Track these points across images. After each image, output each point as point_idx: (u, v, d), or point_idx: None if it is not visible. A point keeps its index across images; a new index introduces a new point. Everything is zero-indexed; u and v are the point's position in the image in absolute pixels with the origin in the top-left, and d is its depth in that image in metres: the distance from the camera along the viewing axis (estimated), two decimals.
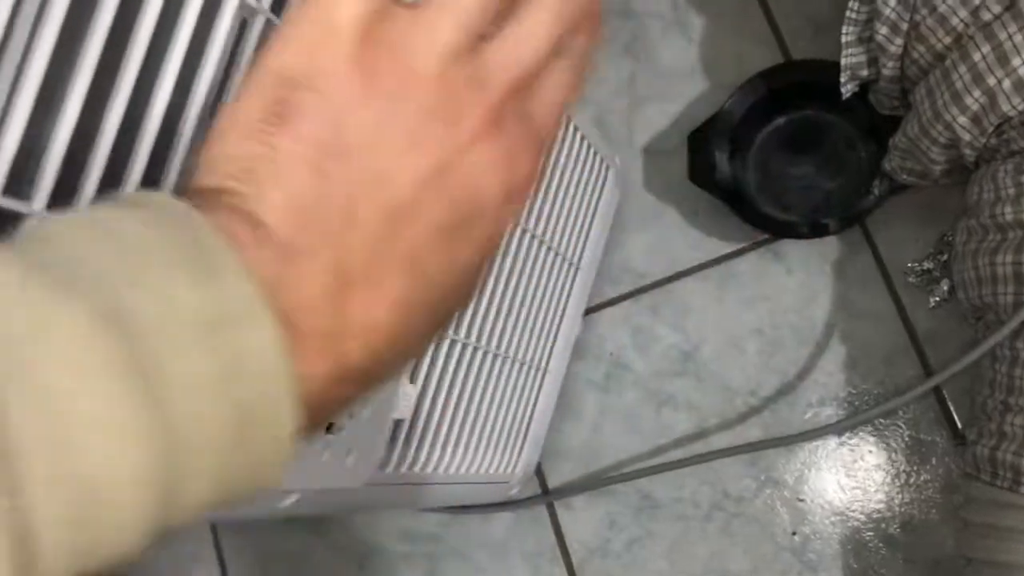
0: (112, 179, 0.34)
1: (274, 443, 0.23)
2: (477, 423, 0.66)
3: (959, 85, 0.62)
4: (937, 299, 0.80)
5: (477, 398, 0.65)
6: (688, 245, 0.89)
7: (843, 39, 0.69)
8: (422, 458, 0.60)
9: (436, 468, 0.62)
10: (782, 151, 0.84)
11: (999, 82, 0.60)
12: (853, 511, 0.82)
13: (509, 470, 0.75)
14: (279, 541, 0.97)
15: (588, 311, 0.89)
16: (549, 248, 0.71)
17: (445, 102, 0.26)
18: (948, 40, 0.63)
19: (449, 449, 0.63)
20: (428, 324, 0.28)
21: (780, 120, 0.84)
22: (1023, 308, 0.60)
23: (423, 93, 0.26)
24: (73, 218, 0.23)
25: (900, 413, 0.81)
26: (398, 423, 0.56)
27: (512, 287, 0.66)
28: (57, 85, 0.31)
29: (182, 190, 0.25)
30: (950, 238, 0.79)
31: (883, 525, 0.81)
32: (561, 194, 0.71)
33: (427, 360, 0.57)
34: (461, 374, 0.62)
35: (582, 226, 0.77)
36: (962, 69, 0.61)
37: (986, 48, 0.60)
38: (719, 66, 0.90)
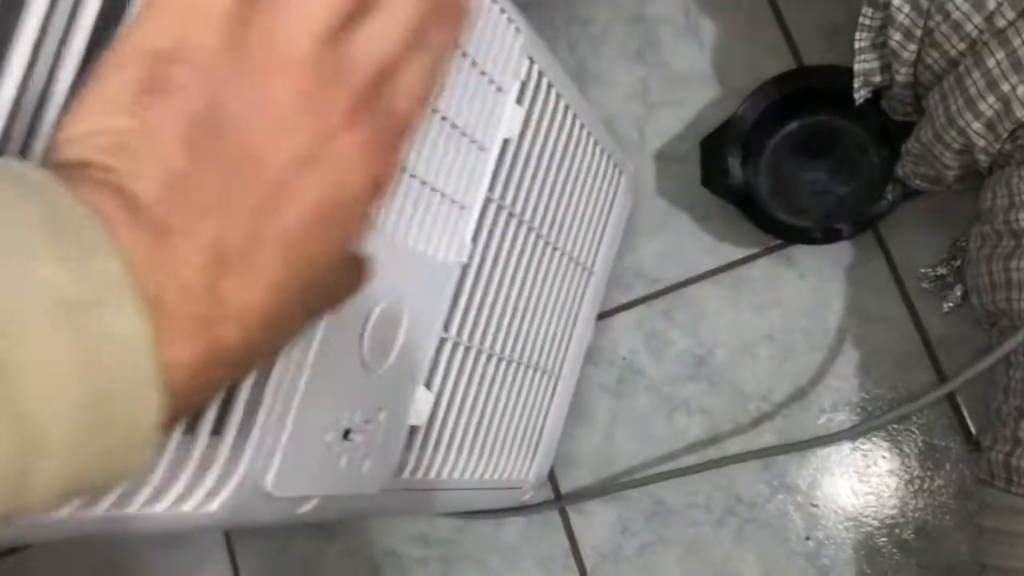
0: None
1: (136, 433, 0.22)
2: (491, 429, 0.66)
3: (973, 91, 0.62)
4: (950, 304, 0.80)
5: (491, 404, 0.66)
6: (701, 250, 0.89)
7: (856, 45, 0.69)
8: (437, 464, 0.60)
9: (450, 474, 0.62)
10: (795, 156, 0.84)
11: (1013, 88, 0.60)
12: (866, 516, 0.82)
13: (522, 475, 0.75)
14: (292, 545, 0.97)
15: (601, 316, 0.89)
16: (563, 253, 0.71)
17: (315, 88, 0.26)
18: (962, 46, 0.63)
19: (463, 455, 0.63)
20: (301, 308, 0.27)
21: (793, 126, 0.84)
22: None
23: (294, 77, 0.25)
24: None
25: (914, 419, 0.81)
26: (413, 429, 0.56)
27: (526, 293, 0.66)
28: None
29: (44, 164, 0.23)
30: (963, 243, 0.79)
31: (897, 531, 0.80)
32: (574, 200, 0.71)
33: (442, 367, 0.58)
34: (475, 380, 0.62)
35: (595, 231, 0.77)
36: (976, 75, 0.61)
37: (1000, 54, 0.60)
38: (731, 72, 0.90)
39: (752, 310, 0.87)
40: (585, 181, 0.72)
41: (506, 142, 0.57)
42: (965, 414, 0.80)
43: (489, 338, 0.63)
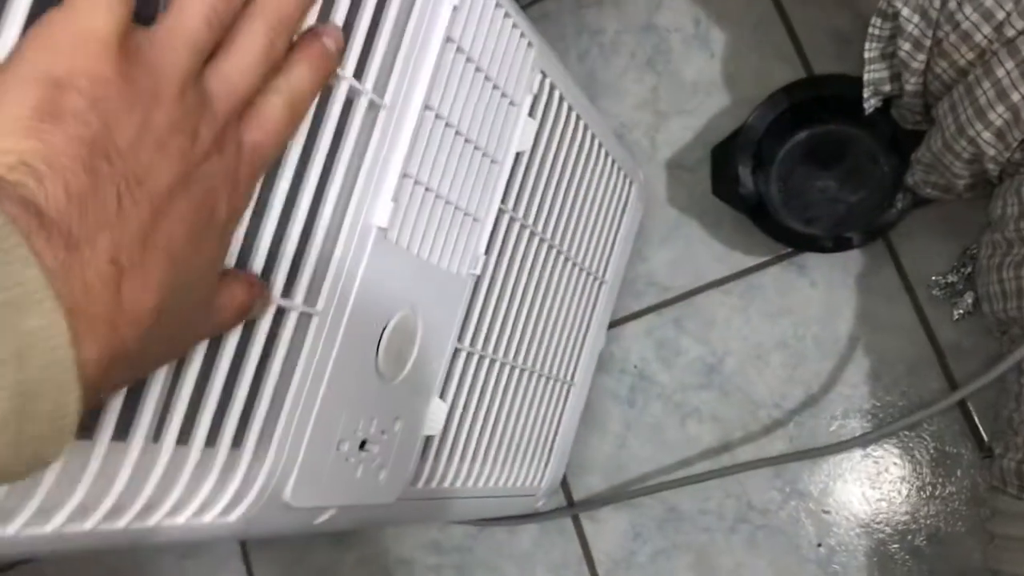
0: None
1: (59, 425, 0.25)
2: (505, 437, 0.67)
3: (983, 100, 0.62)
4: (961, 312, 0.80)
5: (505, 413, 0.66)
6: (712, 258, 0.89)
7: (866, 55, 0.70)
8: (451, 473, 0.61)
9: (465, 482, 0.63)
10: (805, 165, 0.85)
11: (1023, 98, 0.60)
12: (878, 523, 0.82)
13: (535, 483, 0.75)
14: (308, 554, 0.98)
15: (612, 324, 0.89)
16: (574, 263, 0.72)
17: (184, 118, 0.30)
18: (971, 56, 0.63)
19: (477, 464, 0.64)
20: (185, 310, 0.31)
21: (803, 134, 0.84)
22: None
23: (168, 108, 0.29)
24: None
25: (925, 426, 0.81)
26: (428, 439, 0.57)
27: (538, 302, 0.67)
28: None
29: None
30: (974, 251, 0.79)
31: (909, 537, 0.81)
32: (586, 210, 0.71)
33: (456, 377, 0.58)
34: (489, 390, 0.63)
35: (606, 241, 0.77)
36: (986, 85, 0.62)
37: (1010, 64, 0.60)
38: (741, 81, 0.90)
39: (763, 318, 0.87)
40: (596, 191, 0.73)
41: (519, 155, 0.58)
42: (976, 421, 0.80)
43: (503, 348, 0.63)
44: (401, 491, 0.53)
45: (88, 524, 0.34)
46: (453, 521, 0.90)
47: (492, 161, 0.54)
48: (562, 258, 0.69)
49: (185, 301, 0.31)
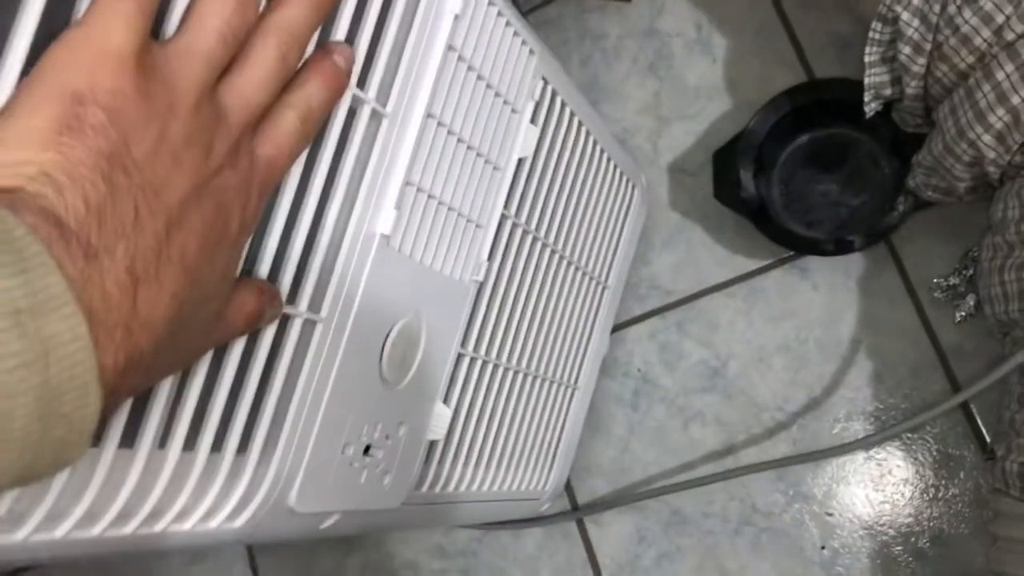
0: None
1: (80, 428, 0.25)
2: (509, 442, 0.67)
3: (983, 104, 0.62)
4: (963, 314, 0.80)
5: (509, 417, 0.66)
6: (714, 262, 0.89)
7: (866, 59, 0.70)
8: (455, 477, 0.61)
9: (469, 487, 0.63)
10: (807, 169, 0.85)
11: (1023, 101, 0.60)
12: (882, 525, 0.82)
13: (540, 487, 0.76)
14: (314, 558, 0.98)
15: (616, 328, 0.90)
16: (577, 268, 0.72)
17: (199, 131, 0.31)
18: (971, 59, 0.63)
19: (482, 468, 0.64)
20: (197, 319, 0.32)
21: (804, 138, 0.85)
22: None
23: (184, 121, 0.30)
24: None
25: (928, 428, 0.81)
26: (432, 444, 0.57)
27: (541, 307, 0.67)
28: None
29: None
30: (975, 253, 0.79)
31: (912, 539, 0.81)
32: (588, 215, 0.72)
33: (460, 381, 0.58)
34: (493, 394, 0.63)
35: (609, 245, 0.78)
36: (986, 88, 0.62)
37: (1010, 67, 0.60)
38: (743, 85, 0.90)
39: (766, 321, 0.87)
40: (599, 196, 0.73)
41: (521, 161, 0.58)
42: (979, 423, 0.80)
43: (506, 353, 0.64)
44: (405, 496, 0.54)
45: (96, 530, 0.34)
46: (458, 525, 0.90)
47: (494, 168, 0.55)
48: (565, 263, 0.70)
49: (198, 310, 0.32)
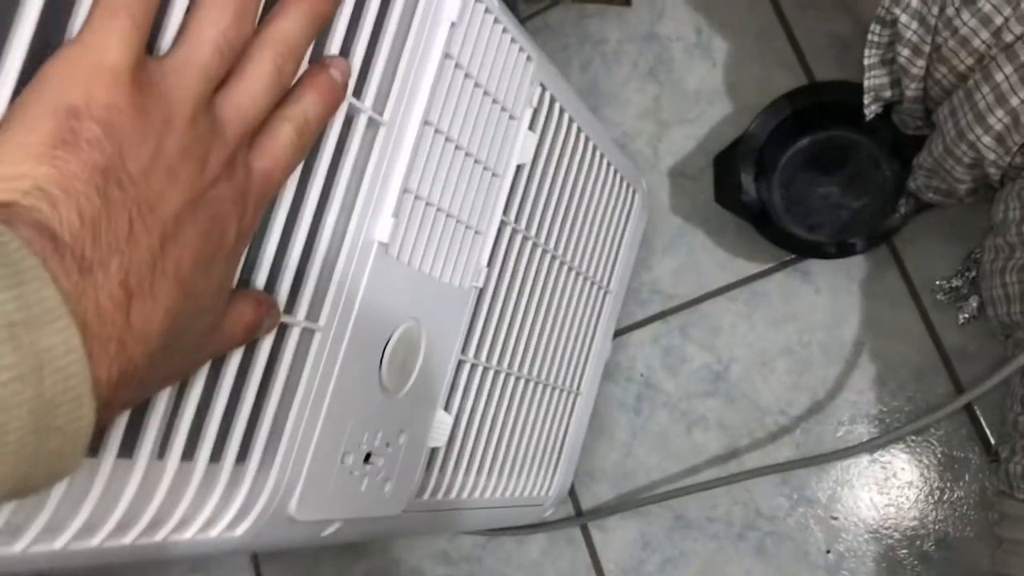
0: None
1: (73, 436, 0.25)
2: (511, 448, 0.67)
3: (982, 105, 0.62)
4: (966, 316, 0.80)
5: (511, 423, 0.66)
6: (716, 266, 0.89)
7: (865, 61, 0.70)
8: (457, 484, 0.61)
9: (471, 493, 0.63)
10: (807, 172, 0.85)
11: (1022, 102, 0.60)
12: (887, 529, 0.82)
13: (543, 493, 0.75)
14: (318, 565, 0.98)
15: (618, 333, 0.90)
16: (578, 273, 0.72)
17: (195, 144, 0.31)
18: (970, 61, 0.63)
19: (484, 474, 0.64)
20: (193, 332, 0.32)
21: (805, 141, 0.85)
22: None
23: (180, 135, 0.30)
24: None
25: (932, 430, 0.81)
26: (434, 451, 0.57)
27: (542, 313, 0.67)
28: None
29: None
30: (978, 255, 0.79)
31: (918, 542, 0.81)
32: (588, 220, 0.72)
33: (461, 388, 0.58)
34: (495, 400, 0.63)
35: (610, 251, 0.78)
36: (985, 89, 0.62)
37: (1008, 69, 0.60)
38: (743, 88, 0.90)
39: (768, 325, 0.87)
40: (599, 201, 0.73)
41: (520, 167, 0.58)
42: (984, 424, 0.80)
43: (507, 359, 0.64)
44: (407, 503, 0.54)
45: (95, 540, 0.34)
46: (461, 532, 0.90)
47: (493, 174, 0.55)
48: (566, 268, 0.70)
49: (193, 323, 0.32)
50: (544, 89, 0.59)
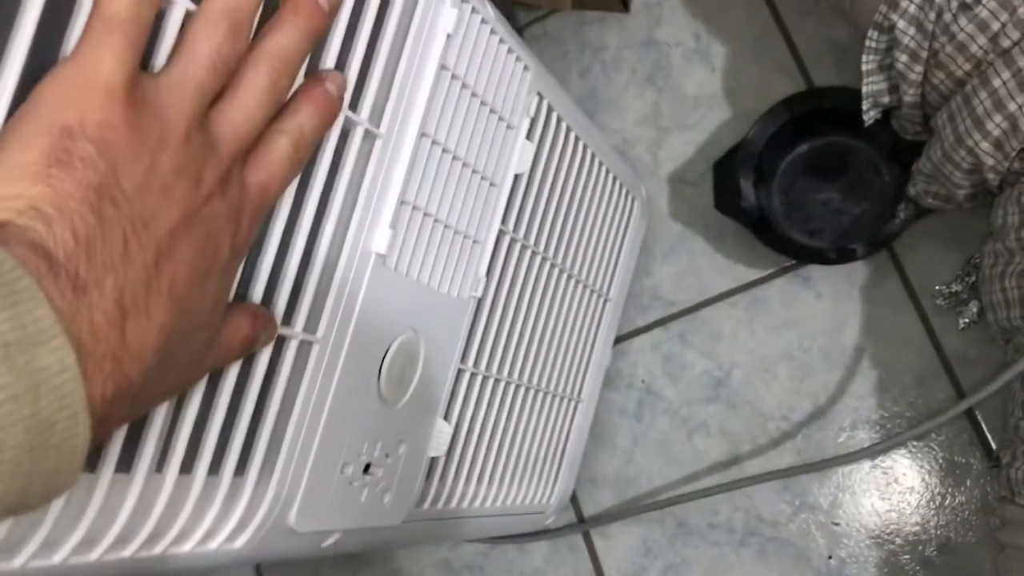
0: None
1: (68, 454, 0.26)
2: (512, 456, 0.67)
3: (980, 111, 0.62)
4: (967, 321, 0.80)
5: (511, 432, 0.66)
6: (716, 272, 0.89)
7: (863, 67, 0.70)
8: (458, 493, 0.61)
9: (472, 502, 0.63)
10: (807, 177, 0.85)
11: (1020, 108, 0.60)
12: (889, 534, 0.82)
13: (544, 500, 0.75)
14: (321, 575, 0.98)
15: (619, 340, 0.90)
16: (578, 281, 0.72)
17: (189, 161, 0.31)
18: (968, 67, 0.63)
19: (484, 483, 0.64)
20: (188, 347, 0.32)
21: (804, 147, 0.85)
22: None
23: (174, 152, 0.30)
24: None
25: (933, 435, 0.81)
26: (434, 460, 0.57)
27: (542, 321, 0.67)
28: None
29: None
30: (977, 260, 0.79)
31: (920, 548, 0.80)
32: (588, 228, 0.72)
33: (460, 397, 0.59)
34: (495, 409, 0.63)
35: (610, 258, 0.78)
36: (983, 95, 0.62)
37: (1006, 74, 0.60)
38: (742, 94, 0.90)
39: (769, 330, 0.87)
40: (598, 209, 0.73)
41: (517, 177, 0.58)
42: (985, 429, 0.80)
43: (507, 367, 0.64)
44: (407, 513, 0.54)
45: (94, 555, 0.34)
46: (463, 540, 0.90)
47: (491, 184, 0.55)
48: (565, 276, 0.70)
49: (189, 338, 0.32)
50: (541, 98, 0.59)
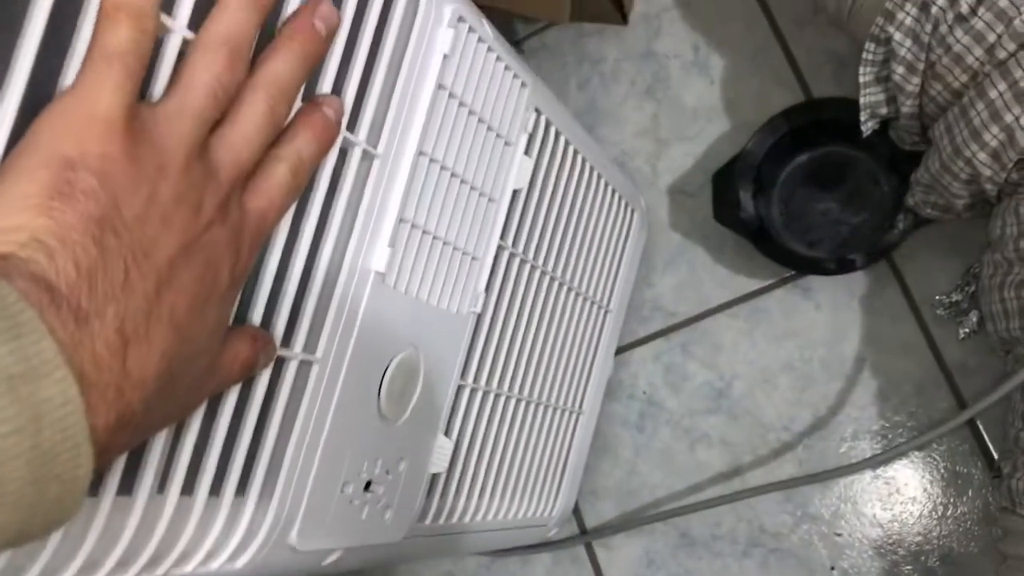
0: None
1: (73, 488, 0.26)
2: (513, 470, 0.67)
3: (977, 122, 0.62)
4: (967, 330, 0.80)
5: (512, 445, 0.67)
6: (716, 283, 0.90)
7: (861, 79, 0.70)
8: (459, 508, 0.61)
9: (474, 517, 0.63)
10: (806, 188, 0.85)
11: (1017, 119, 0.60)
12: (891, 545, 0.82)
13: (547, 512, 0.76)
14: None
15: (620, 350, 0.90)
16: (578, 294, 0.72)
17: (189, 190, 0.31)
18: (964, 78, 0.63)
19: (486, 497, 0.64)
20: (189, 373, 0.32)
21: (803, 158, 0.85)
22: None
23: (174, 181, 0.30)
24: None
25: (934, 446, 0.81)
26: (435, 475, 0.57)
27: (542, 335, 0.68)
28: None
29: None
30: (977, 269, 0.79)
31: (922, 558, 0.80)
32: (587, 241, 0.72)
33: (461, 413, 0.59)
34: (496, 423, 0.64)
35: (610, 270, 0.78)
36: (979, 106, 0.62)
37: (1002, 86, 0.60)
38: (741, 106, 0.91)
39: (769, 341, 0.87)
40: (597, 222, 0.73)
41: (516, 192, 0.58)
42: (987, 439, 0.80)
43: (508, 382, 0.64)
44: (408, 530, 0.54)
45: None
46: (465, 554, 0.90)
47: (489, 200, 0.55)
48: (565, 289, 0.70)
49: (189, 365, 0.32)
50: (539, 114, 0.60)
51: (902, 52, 0.65)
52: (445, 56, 0.46)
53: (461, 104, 0.50)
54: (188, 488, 0.38)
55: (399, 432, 0.51)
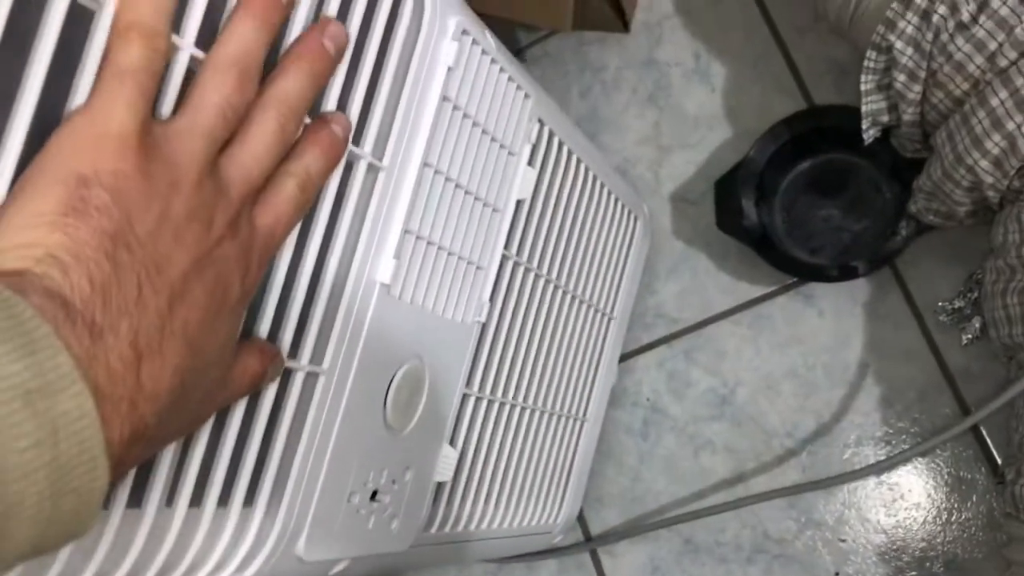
0: None
1: (90, 500, 0.26)
2: (518, 478, 0.68)
3: (979, 130, 0.63)
4: (970, 337, 0.80)
5: (517, 453, 0.67)
6: (719, 290, 0.90)
7: (862, 87, 0.71)
8: (465, 516, 0.61)
9: (480, 525, 0.63)
10: (808, 195, 0.85)
11: (1018, 127, 0.60)
12: (895, 550, 0.82)
13: (551, 520, 0.76)
14: None
15: (623, 358, 0.90)
16: (581, 302, 0.73)
17: (201, 206, 0.32)
18: (966, 86, 0.64)
19: (491, 505, 0.65)
20: (200, 387, 0.33)
21: (804, 165, 0.85)
22: None
23: (186, 198, 0.31)
24: None
25: (938, 451, 0.81)
26: (440, 484, 0.58)
27: (546, 343, 0.68)
28: None
29: None
30: (979, 276, 0.79)
31: (927, 564, 0.80)
32: (591, 249, 0.72)
33: (466, 421, 0.59)
34: (500, 432, 0.64)
35: (613, 278, 0.78)
36: (981, 114, 0.62)
37: (1004, 94, 0.61)
38: (743, 113, 0.91)
39: (772, 348, 0.87)
40: (600, 230, 0.74)
41: (520, 202, 0.59)
42: (990, 445, 0.80)
43: (512, 390, 0.64)
44: (414, 538, 0.54)
45: None
46: (471, 562, 0.90)
47: (493, 210, 0.55)
48: (569, 298, 0.70)
49: (201, 378, 0.33)
50: (542, 124, 0.60)
51: (903, 60, 0.66)
52: (449, 68, 0.47)
53: (465, 116, 0.50)
54: (196, 500, 0.38)
55: (405, 442, 0.51)
